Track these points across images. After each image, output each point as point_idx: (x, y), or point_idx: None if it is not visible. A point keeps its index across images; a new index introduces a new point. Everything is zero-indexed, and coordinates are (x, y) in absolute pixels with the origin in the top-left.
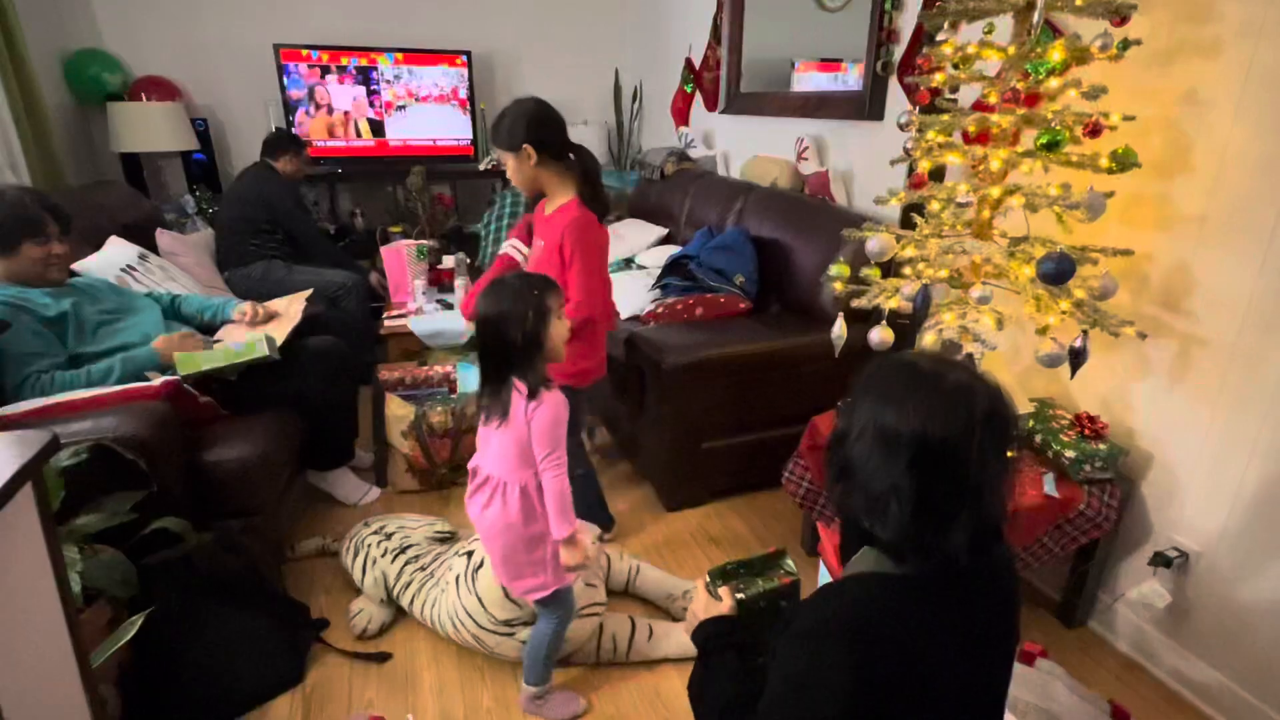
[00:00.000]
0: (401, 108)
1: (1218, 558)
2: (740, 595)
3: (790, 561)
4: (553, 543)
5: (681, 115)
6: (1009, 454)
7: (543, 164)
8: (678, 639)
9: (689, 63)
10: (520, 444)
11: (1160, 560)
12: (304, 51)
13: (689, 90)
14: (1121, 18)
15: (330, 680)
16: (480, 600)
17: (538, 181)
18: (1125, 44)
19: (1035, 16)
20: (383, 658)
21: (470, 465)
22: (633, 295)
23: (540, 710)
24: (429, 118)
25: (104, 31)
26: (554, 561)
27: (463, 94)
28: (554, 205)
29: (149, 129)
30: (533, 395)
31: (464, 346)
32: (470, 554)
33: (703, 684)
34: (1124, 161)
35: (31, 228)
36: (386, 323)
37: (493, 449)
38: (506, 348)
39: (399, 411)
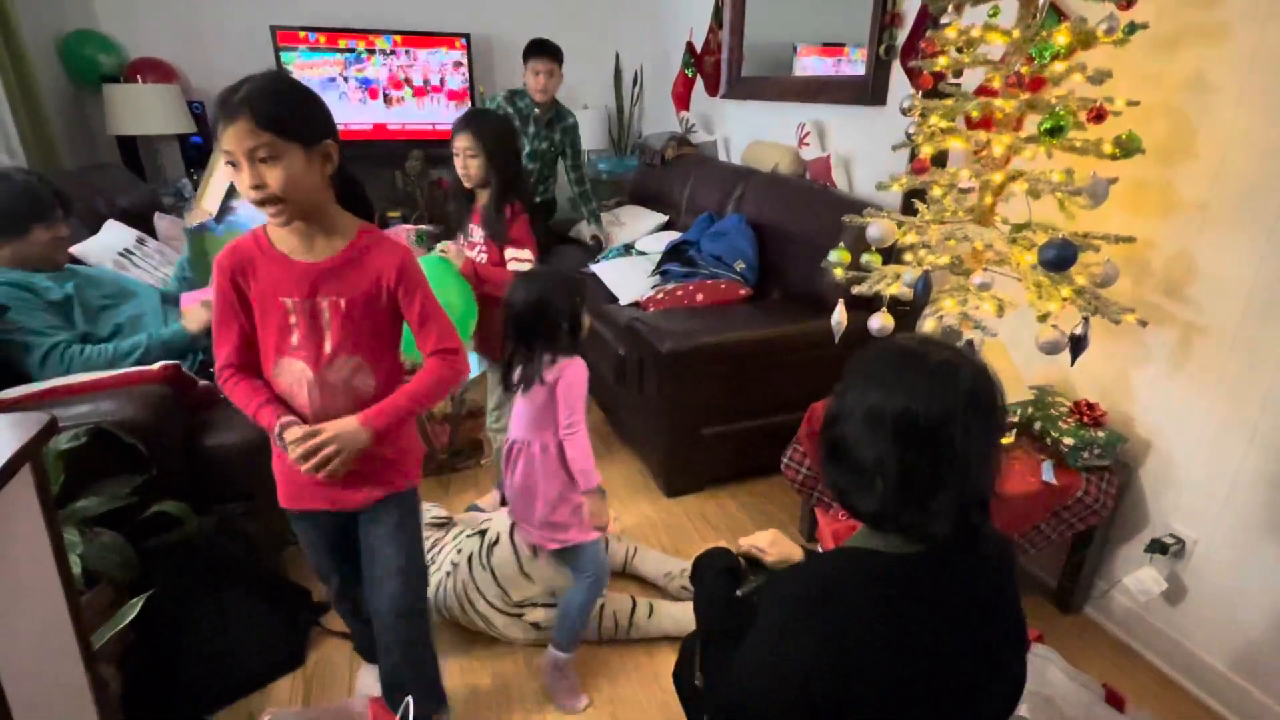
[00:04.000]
0: (387, 100)
1: (1214, 545)
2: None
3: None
4: (575, 499)
5: (682, 100)
6: (996, 432)
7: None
8: (677, 616)
9: (690, 46)
10: (537, 408)
11: (1157, 547)
12: (301, 33)
13: (690, 74)
14: (1128, 1)
15: (330, 663)
16: (495, 577)
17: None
18: (1131, 28)
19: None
20: None
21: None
22: (633, 281)
23: (553, 681)
24: (428, 102)
25: (99, 12)
26: (578, 515)
27: (462, 79)
28: (334, 239)
29: (145, 111)
30: (554, 360)
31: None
32: (484, 533)
33: (697, 606)
34: (1128, 147)
35: (42, 211)
36: None
37: (529, 416)
38: (548, 331)
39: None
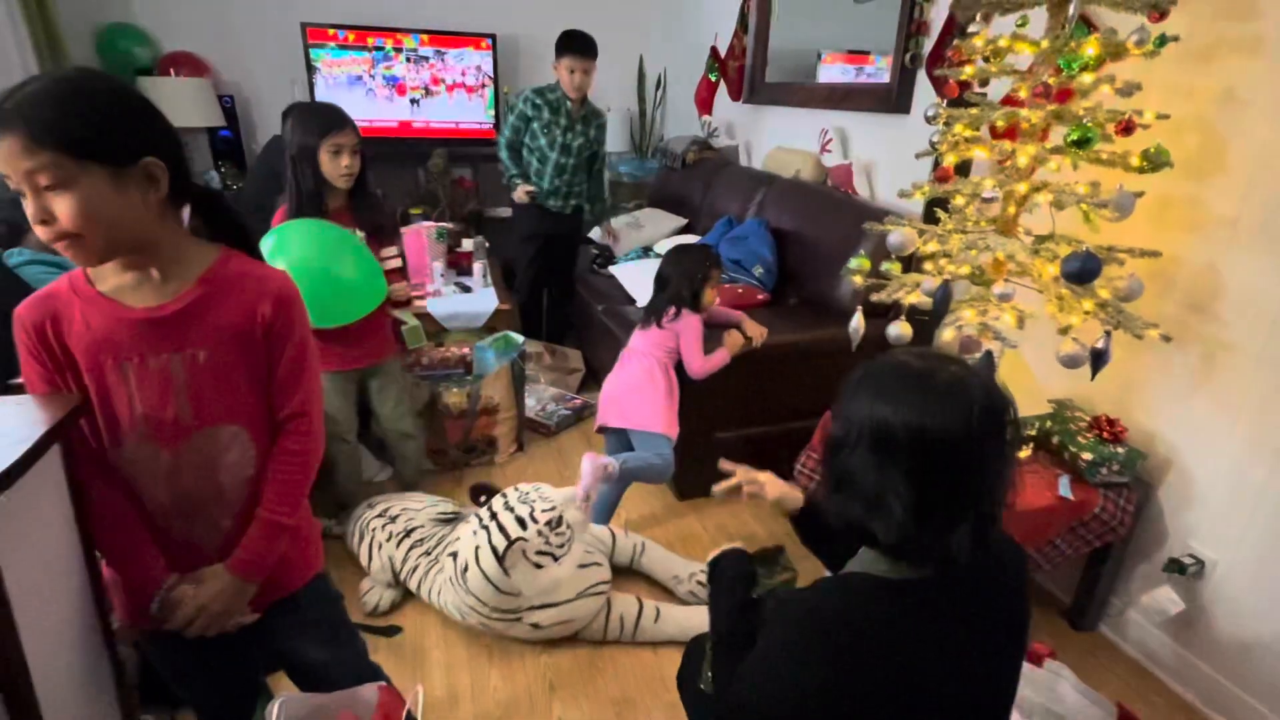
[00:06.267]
0: (427, 91)
1: (1234, 567)
2: (755, 594)
3: (788, 557)
4: (666, 400)
5: (705, 104)
6: (1008, 446)
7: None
8: (682, 621)
9: (714, 51)
10: (655, 339)
11: (1175, 567)
12: (331, 30)
13: (713, 79)
14: (1160, 13)
15: None
16: (476, 597)
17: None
18: (1163, 40)
19: (1070, 10)
20: (392, 631)
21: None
22: (651, 284)
23: (591, 471)
24: (453, 100)
25: (135, 5)
26: (662, 412)
27: (486, 78)
28: (182, 273)
29: (177, 104)
30: (677, 315)
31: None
32: (455, 555)
33: (711, 608)
34: (1156, 161)
35: None
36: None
37: (640, 339)
38: (673, 290)
39: (414, 392)
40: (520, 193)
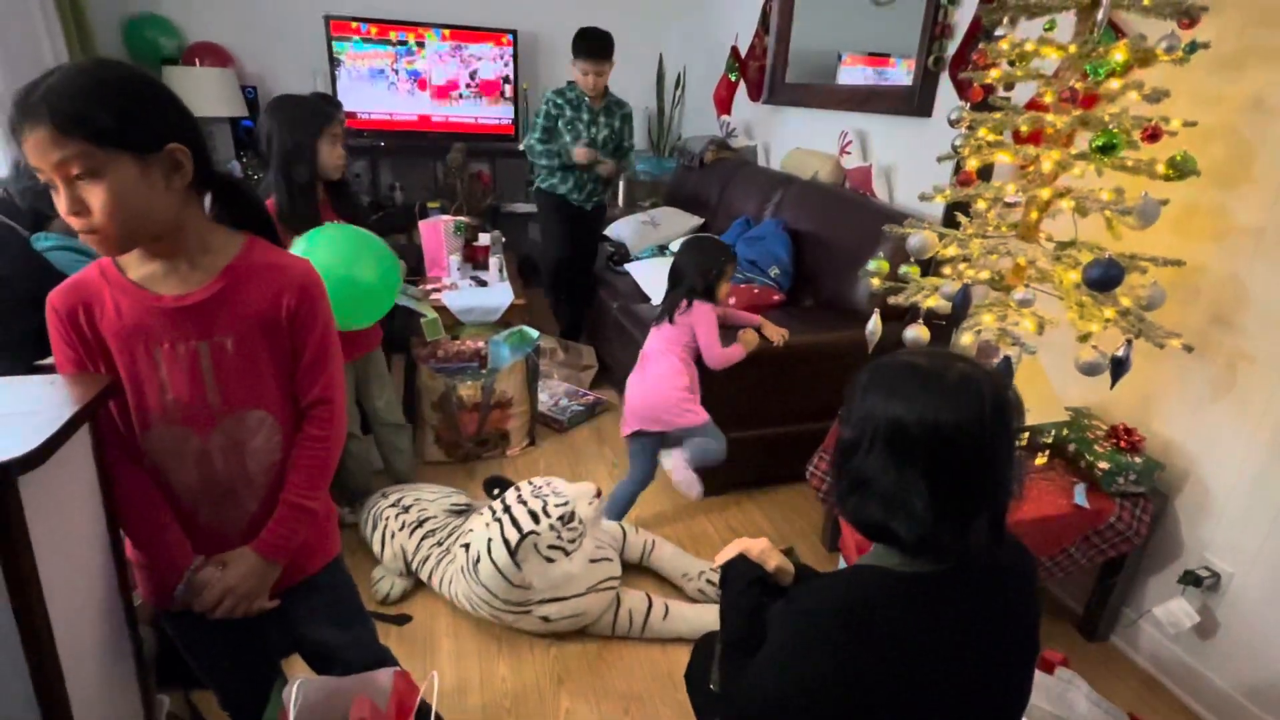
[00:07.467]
0: (450, 85)
1: (1251, 580)
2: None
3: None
4: (694, 394)
5: (724, 104)
6: (1015, 439)
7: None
8: (691, 619)
9: (735, 51)
10: (671, 335)
11: (1190, 579)
12: (354, 23)
13: (733, 78)
14: (1190, 19)
15: None
16: (487, 589)
17: (178, 224)
18: (1193, 46)
19: (1099, 15)
20: (403, 620)
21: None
22: (666, 281)
23: (681, 469)
24: (473, 96)
25: None
26: (696, 405)
27: (505, 74)
28: (208, 261)
29: (201, 94)
30: (689, 306)
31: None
32: (468, 546)
33: (722, 610)
34: (1182, 168)
35: None
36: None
37: (657, 337)
38: (691, 282)
39: (429, 384)
40: (581, 151)
